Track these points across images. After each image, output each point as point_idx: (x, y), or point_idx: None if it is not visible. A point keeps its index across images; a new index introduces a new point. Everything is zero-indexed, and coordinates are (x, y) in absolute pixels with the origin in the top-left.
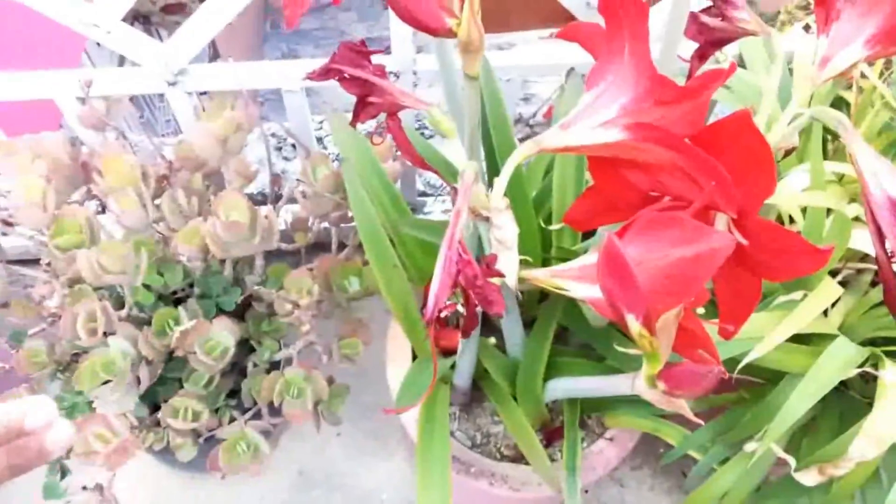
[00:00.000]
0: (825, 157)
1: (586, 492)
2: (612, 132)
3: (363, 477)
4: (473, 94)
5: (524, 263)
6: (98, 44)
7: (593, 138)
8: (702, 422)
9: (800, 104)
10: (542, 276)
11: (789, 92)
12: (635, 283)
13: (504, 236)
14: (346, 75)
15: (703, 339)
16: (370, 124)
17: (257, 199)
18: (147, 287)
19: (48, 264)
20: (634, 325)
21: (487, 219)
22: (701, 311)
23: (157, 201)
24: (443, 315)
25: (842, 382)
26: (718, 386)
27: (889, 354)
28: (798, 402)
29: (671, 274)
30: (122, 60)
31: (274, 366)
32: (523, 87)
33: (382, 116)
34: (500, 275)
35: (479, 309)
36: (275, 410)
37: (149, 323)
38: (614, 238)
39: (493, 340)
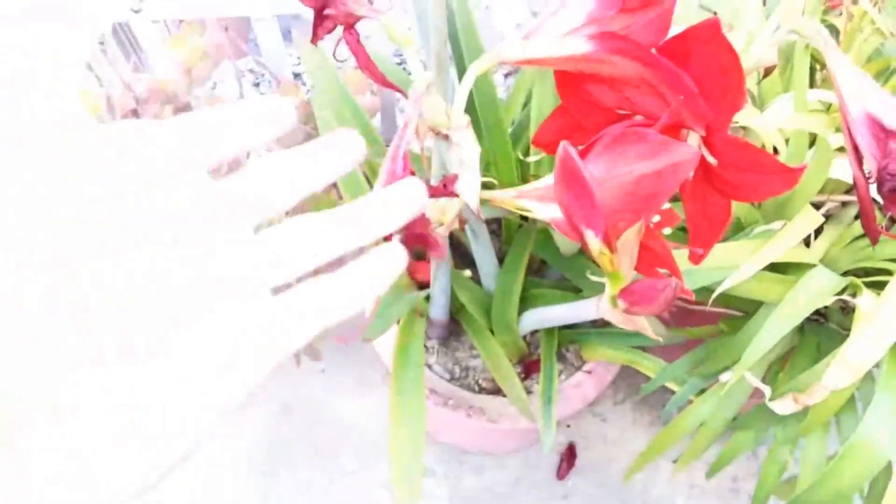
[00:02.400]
0: (812, 86)
1: (568, 426)
2: (575, 42)
3: (346, 411)
4: (438, 9)
5: (490, 186)
6: None
7: (556, 49)
8: (661, 344)
9: (784, 23)
10: (507, 198)
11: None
12: (591, 195)
13: (465, 156)
14: None
15: (664, 257)
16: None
17: None
18: None
19: None
20: (594, 242)
21: (448, 138)
22: (668, 231)
23: None
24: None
25: (821, 314)
26: (697, 319)
27: (869, 285)
28: (773, 329)
29: (633, 190)
30: None
31: None
32: (518, 31)
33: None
34: (456, 195)
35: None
36: None
37: None
38: (569, 147)
39: (467, 273)
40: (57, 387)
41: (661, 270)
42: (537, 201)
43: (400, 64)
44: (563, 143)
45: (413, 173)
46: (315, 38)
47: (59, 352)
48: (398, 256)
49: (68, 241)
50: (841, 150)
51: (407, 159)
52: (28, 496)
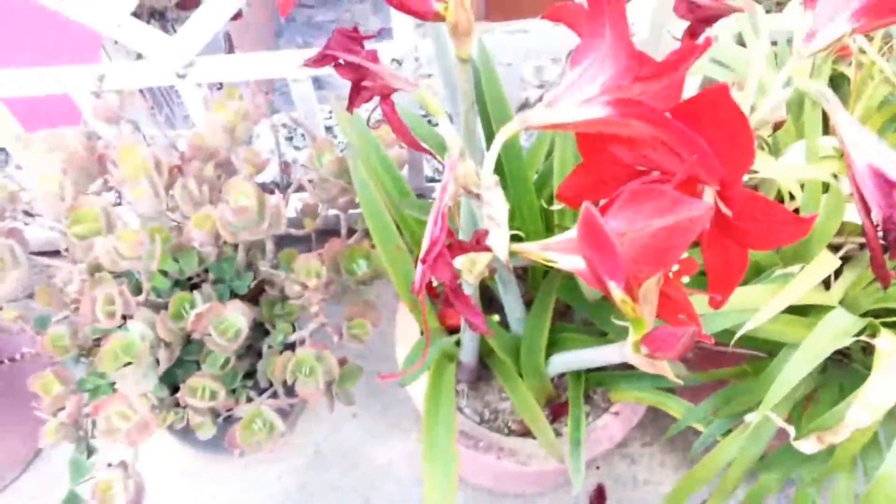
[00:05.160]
0: (827, 131)
1: (598, 467)
2: (594, 108)
3: (379, 456)
4: (465, 76)
5: (518, 238)
6: (116, 42)
7: (577, 115)
8: (688, 386)
9: (793, 80)
10: (534, 250)
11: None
12: (613, 249)
13: (494, 213)
14: (340, 61)
15: (683, 305)
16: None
17: (270, 189)
18: (164, 273)
19: (66, 249)
20: (617, 292)
21: (479, 196)
22: (686, 279)
23: (171, 192)
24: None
25: (844, 354)
26: (726, 360)
27: (888, 325)
28: (794, 370)
29: (651, 243)
30: (138, 57)
31: (288, 348)
32: (538, 75)
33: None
34: (489, 249)
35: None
36: (290, 391)
37: (166, 307)
38: (591, 207)
39: (496, 318)
40: None
41: (682, 316)
42: (562, 253)
43: (425, 116)
44: (586, 203)
45: (451, 232)
46: (351, 107)
47: None
48: None
49: None
50: None
51: (445, 220)
52: None
